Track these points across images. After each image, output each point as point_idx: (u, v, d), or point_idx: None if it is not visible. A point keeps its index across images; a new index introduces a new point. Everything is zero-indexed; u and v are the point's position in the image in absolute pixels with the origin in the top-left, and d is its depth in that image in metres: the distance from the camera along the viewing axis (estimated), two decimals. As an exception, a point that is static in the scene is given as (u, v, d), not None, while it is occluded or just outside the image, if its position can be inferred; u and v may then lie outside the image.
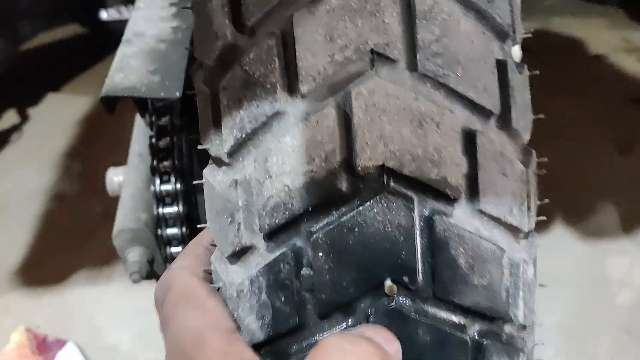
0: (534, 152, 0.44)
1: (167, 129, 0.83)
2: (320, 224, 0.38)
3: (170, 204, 0.85)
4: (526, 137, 0.43)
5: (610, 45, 2.80)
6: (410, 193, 0.38)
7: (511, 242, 0.42)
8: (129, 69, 0.73)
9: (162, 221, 0.86)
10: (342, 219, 0.38)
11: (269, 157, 0.38)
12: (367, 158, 0.37)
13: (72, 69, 2.70)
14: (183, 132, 0.84)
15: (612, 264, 1.77)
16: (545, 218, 0.45)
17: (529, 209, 0.42)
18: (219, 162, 0.43)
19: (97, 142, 2.26)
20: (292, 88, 0.39)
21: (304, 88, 0.38)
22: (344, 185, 0.38)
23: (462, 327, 0.40)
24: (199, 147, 0.43)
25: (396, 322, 0.38)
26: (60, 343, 1.50)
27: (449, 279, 0.39)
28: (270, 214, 0.39)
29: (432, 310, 0.39)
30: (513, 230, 0.42)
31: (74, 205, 2.00)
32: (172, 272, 0.45)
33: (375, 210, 0.37)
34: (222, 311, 0.42)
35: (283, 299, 0.39)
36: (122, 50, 0.84)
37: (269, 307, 0.40)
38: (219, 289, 0.43)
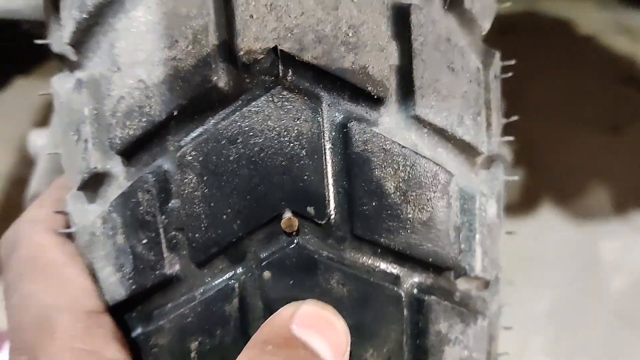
0: (497, 52, 0.33)
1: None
2: (191, 135, 0.27)
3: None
4: (485, 25, 0.32)
5: (600, 26, 2.72)
6: (316, 89, 0.27)
7: (464, 167, 0.31)
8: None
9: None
10: (219, 126, 0.27)
11: (116, 43, 0.27)
12: (253, 38, 0.26)
13: (42, 53, 2.59)
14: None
15: (604, 247, 1.69)
16: (512, 138, 0.34)
17: (488, 123, 0.31)
18: (68, 64, 0.32)
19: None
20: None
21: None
22: (221, 78, 0.26)
23: (394, 278, 0.29)
24: (38, 42, 0.32)
25: (301, 269, 0.27)
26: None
27: (373, 211, 0.28)
28: (122, 123, 0.27)
29: (350, 254, 0.28)
30: (466, 149, 0.31)
31: (35, 191, 1.88)
32: (23, 225, 0.34)
33: (266, 113, 0.26)
34: (82, 284, 0.32)
35: (145, 241, 0.28)
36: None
37: (127, 253, 0.29)
38: (72, 235, 0.32)
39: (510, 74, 0.34)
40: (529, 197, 1.80)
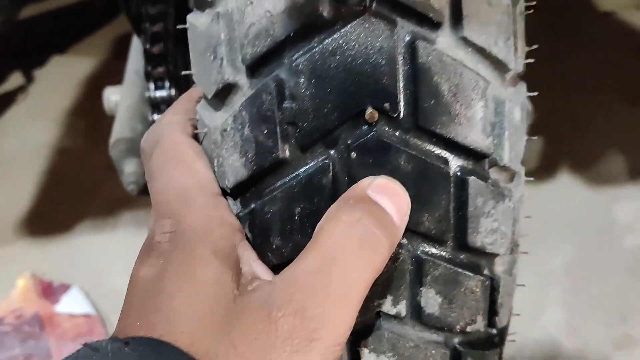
0: (522, -3, 0.43)
1: (160, 35, 0.82)
2: (302, 51, 0.38)
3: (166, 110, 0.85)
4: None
5: (619, 2, 2.77)
6: (392, 16, 0.37)
7: (497, 79, 0.41)
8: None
9: (157, 127, 0.86)
10: (323, 44, 0.37)
11: (249, -16, 0.38)
12: (348, -19, 0.36)
13: (77, 32, 2.71)
14: (177, 39, 0.84)
15: (619, 209, 1.77)
16: (536, 46, 0.44)
17: (515, 48, 0.41)
18: (201, 5, 0.42)
19: (100, 100, 2.27)
20: None
21: None
22: (325, 8, 0.37)
23: (444, 160, 0.40)
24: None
25: (378, 151, 0.38)
26: (65, 287, 1.52)
27: (432, 108, 0.38)
28: (252, 43, 0.38)
29: (413, 140, 0.39)
30: (499, 66, 0.41)
31: (79, 159, 2.01)
32: (162, 126, 0.45)
33: (356, 33, 0.37)
34: (208, 174, 0.42)
35: (266, 131, 0.39)
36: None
37: (252, 141, 0.39)
38: (204, 136, 0.43)
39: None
40: (549, 163, 1.89)
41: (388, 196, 0.37)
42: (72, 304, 1.50)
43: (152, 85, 0.84)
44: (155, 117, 0.86)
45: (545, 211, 1.72)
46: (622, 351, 1.39)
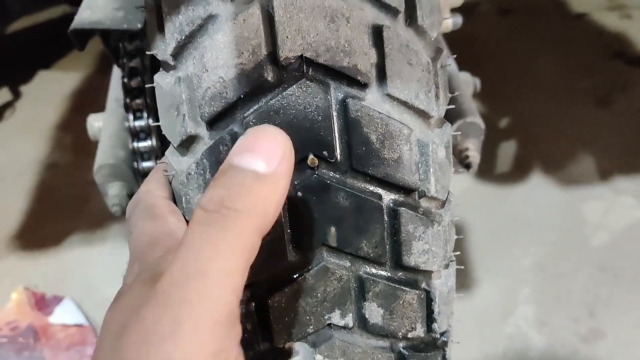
0: (443, 50, 0.50)
1: (137, 69, 0.89)
2: (251, 110, 0.45)
3: (145, 139, 0.92)
4: (433, 33, 0.49)
5: (593, 3, 2.85)
6: (326, 79, 0.45)
7: (421, 125, 0.49)
8: (96, 7, 0.80)
9: (137, 155, 0.93)
10: (269, 104, 0.44)
11: (205, 54, 0.45)
12: (288, 50, 0.43)
13: (62, 47, 2.76)
14: (153, 72, 0.90)
15: (588, 208, 1.83)
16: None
17: (437, 97, 0.49)
18: (166, 67, 0.49)
19: (87, 114, 2.33)
20: (221, -6, 0.45)
21: (231, -8, 0.44)
22: (269, 74, 0.44)
23: (378, 195, 0.47)
24: (147, 52, 0.49)
25: (320, 190, 0.45)
26: (58, 299, 1.58)
27: (363, 153, 0.45)
28: (209, 103, 0.45)
29: (350, 180, 0.46)
30: (422, 114, 0.48)
31: (67, 174, 2.07)
32: (140, 194, 0.51)
33: (297, 94, 0.44)
34: (178, 225, 0.46)
35: (224, 177, 0.46)
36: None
37: None
38: (172, 177, 0.50)
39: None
40: (520, 165, 1.96)
41: (249, 149, 0.38)
42: (65, 315, 1.56)
43: (131, 116, 0.91)
44: (135, 144, 0.93)
45: (517, 212, 1.80)
46: (590, 345, 1.46)
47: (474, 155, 0.99)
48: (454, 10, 0.98)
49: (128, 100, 0.91)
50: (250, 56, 0.44)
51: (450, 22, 0.97)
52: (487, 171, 1.89)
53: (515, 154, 2.02)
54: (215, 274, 0.34)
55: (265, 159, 0.37)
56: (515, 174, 1.93)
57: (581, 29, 2.74)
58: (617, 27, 2.65)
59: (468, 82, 1.13)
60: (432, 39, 0.49)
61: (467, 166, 1.00)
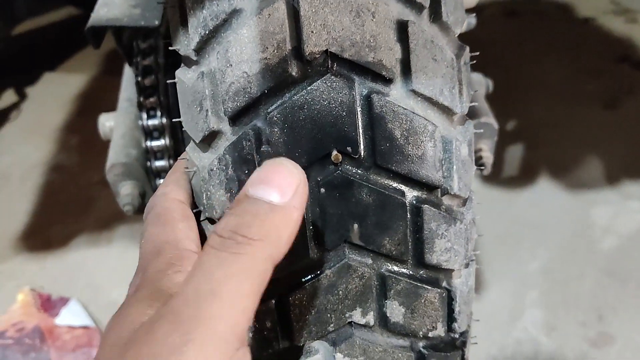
0: (467, 47, 0.50)
1: (151, 67, 0.89)
2: (275, 105, 0.44)
3: (158, 138, 0.92)
4: (457, 30, 0.49)
5: (598, 8, 2.85)
6: (351, 74, 0.44)
7: (445, 122, 0.48)
8: (113, 4, 0.80)
9: (150, 154, 0.93)
10: (294, 99, 0.44)
11: (229, 49, 0.44)
12: (313, 45, 0.43)
13: (67, 49, 2.76)
14: (167, 70, 0.90)
15: (596, 213, 1.83)
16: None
17: (460, 93, 0.48)
18: (188, 62, 0.49)
19: (93, 116, 2.31)
20: (247, -13, 0.45)
21: (257, -14, 0.44)
22: (294, 69, 0.44)
23: (401, 192, 0.46)
24: (170, 47, 0.49)
25: (343, 186, 0.45)
26: (64, 301, 1.57)
27: (387, 149, 0.45)
28: (232, 99, 0.45)
29: (373, 176, 0.46)
30: (446, 111, 0.48)
31: (73, 175, 2.06)
32: (156, 197, 0.50)
33: (321, 90, 0.44)
34: (187, 233, 0.46)
35: (247, 171, 0.45)
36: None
37: (235, 180, 0.46)
38: (193, 174, 0.49)
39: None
40: (528, 168, 1.95)
41: (266, 182, 0.39)
42: (71, 316, 1.55)
43: (144, 115, 0.91)
44: (148, 143, 0.92)
45: (524, 216, 1.79)
46: (599, 349, 1.45)
47: (488, 156, 0.99)
48: (468, 11, 0.97)
49: (142, 99, 0.91)
50: (275, 51, 0.43)
51: (465, 23, 0.96)
52: (494, 175, 1.88)
53: (522, 158, 2.01)
54: (226, 295, 0.35)
55: (280, 190, 0.39)
56: (523, 177, 1.93)
57: (587, 33, 2.74)
58: (623, 32, 2.66)
59: (480, 83, 1.13)
60: (456, 36, 0.49)
61: (481, 166, 0.99)
